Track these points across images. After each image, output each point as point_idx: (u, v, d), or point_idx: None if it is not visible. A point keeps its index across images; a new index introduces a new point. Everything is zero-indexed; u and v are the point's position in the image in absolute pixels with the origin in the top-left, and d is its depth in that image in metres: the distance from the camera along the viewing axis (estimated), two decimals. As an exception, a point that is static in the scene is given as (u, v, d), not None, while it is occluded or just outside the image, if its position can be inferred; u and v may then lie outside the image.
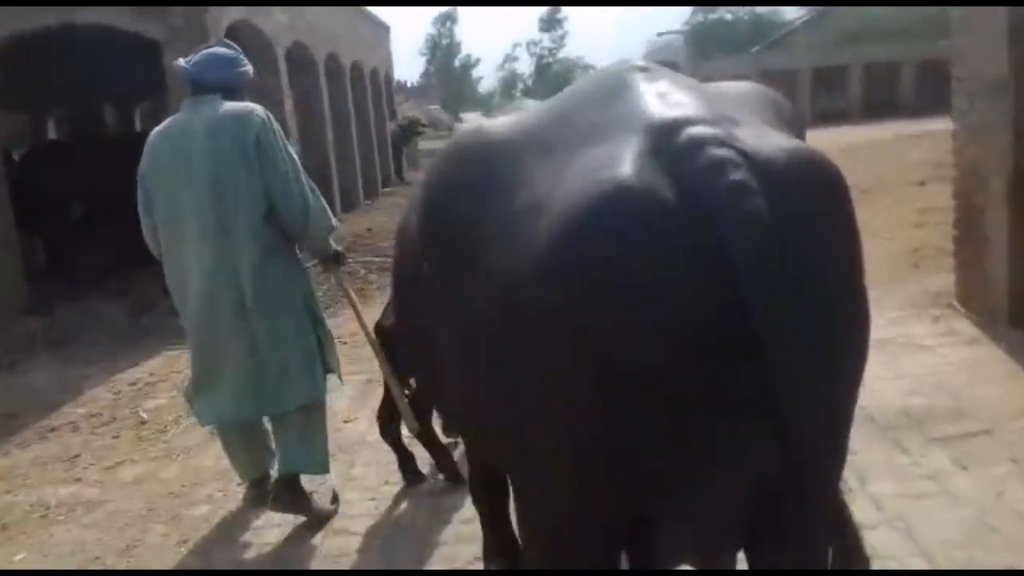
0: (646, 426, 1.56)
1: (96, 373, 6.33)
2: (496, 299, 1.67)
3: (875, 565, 2.98)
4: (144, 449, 4.88)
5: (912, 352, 4.96)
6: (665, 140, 1.58)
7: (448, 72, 60.75)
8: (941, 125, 8.08)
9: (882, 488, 3.47)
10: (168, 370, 6.19)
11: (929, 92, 30.58)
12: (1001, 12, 4.81)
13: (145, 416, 5.39)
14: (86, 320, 7.53)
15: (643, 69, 1.82)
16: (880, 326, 5.40)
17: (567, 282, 1.54)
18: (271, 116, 3.57)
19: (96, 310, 7.73)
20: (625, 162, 1.56)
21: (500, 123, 1.94)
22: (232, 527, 3.84)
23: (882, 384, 4.48)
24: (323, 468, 3.78)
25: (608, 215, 1.52)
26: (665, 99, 1.70)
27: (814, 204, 1.62)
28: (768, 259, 1.48)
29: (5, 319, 7.48)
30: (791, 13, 46.70)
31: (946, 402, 4.20)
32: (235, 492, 4.13)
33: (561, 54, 65.43)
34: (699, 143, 1.56)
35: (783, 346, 1.48)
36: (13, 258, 7.95)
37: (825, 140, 8.90)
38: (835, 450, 1.75)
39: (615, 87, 1.78)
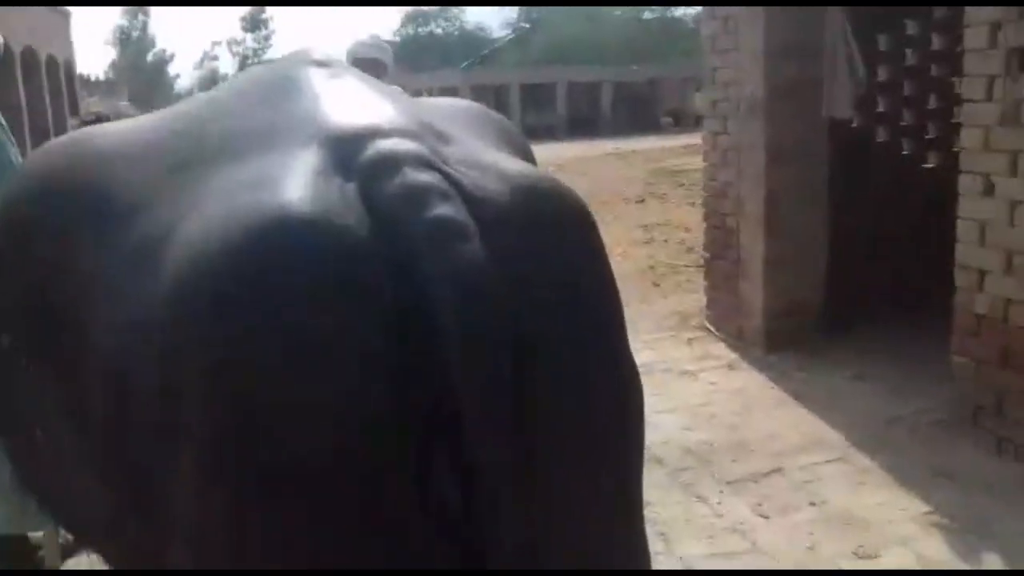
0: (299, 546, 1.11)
1: None
2: (104, 378, 1.23)
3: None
4: None
5: (677, 379, 4.75)
6: (346, 156, 1.15)
7: (139, 67, 56.07)
8: (644, 144, 8.25)
9: (690, 548, 3.10)
10: None
11: (624, 112, 32.89)
12: (758, 32, 4.74)
13: None
14: None
15: (322, 64, 1.40)
16: (638, 349, 5.10)
17: (190, 353, 1.10)
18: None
19: None
20: (290, 181, 1.12)
21: (112, 130, 1.48)
22: None
23: (660, 418, 4.17)
24: None
25: (258, 255, 1.07)
26: (349, 103, 1.29)
27: (554, 251, 1.22)
28: (483, 338, 1.08)
29: None
30: (499, 31, 48.36)
31: (726, 436, 3.97)
32: None
33: (266, 55, 62.87)
34: (391, 161, 1.13)
35: (496, 475, 1.09)
36: None
37: (539, 156, 8.71)
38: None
39: (282, 84, 1.36)
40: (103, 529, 1.54)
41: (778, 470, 3.63)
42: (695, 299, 6.03)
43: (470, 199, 1.15)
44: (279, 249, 1.08)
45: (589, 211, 1.33)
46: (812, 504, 3.35)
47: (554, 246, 1.22)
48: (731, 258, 5.18)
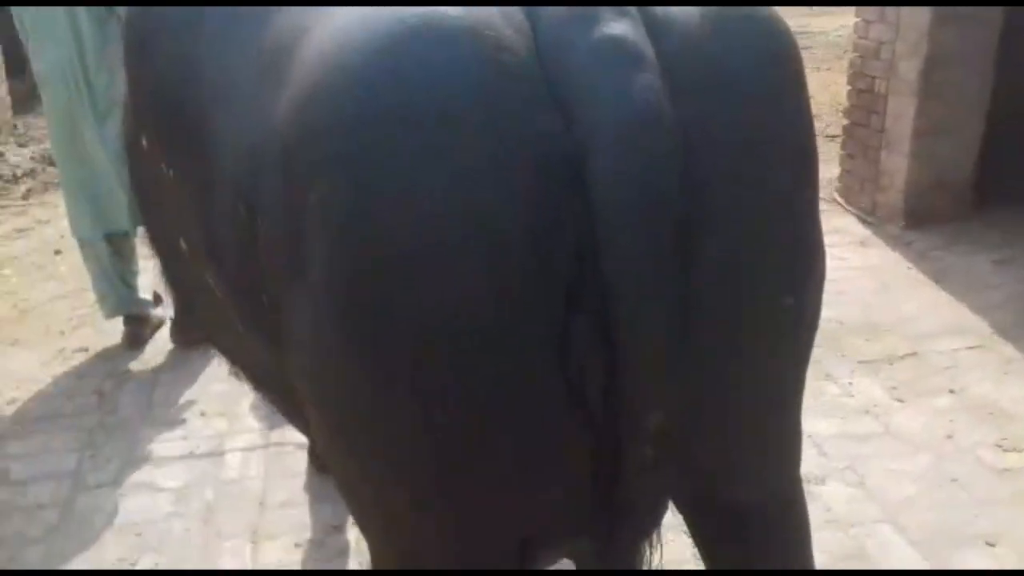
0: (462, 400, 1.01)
1: None
2: (232, 193, 1.15)
3: (838, 532, 2.46)
4: None
5: (803, 252, 4.49)
6: None
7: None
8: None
9: (819, 427, 2.95)
10: None
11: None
12: None
13: None
14: None
15: None
16: (759, 219, 4.92)
17: (316, 171, 0.98)
18: None
19: None
20: None
21: None
22: None
23: (784, 291, 3.98)
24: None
25: (391, 66, 0.94)
26: None
27: (750, 91, 1.03)
28: (646, 198, 0.93)
29: None
30: None
31: (858, 315, 3.75)
32: None
33: None
34: None
35: (647, 357, 0.98)
36: None
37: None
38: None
39: None
40: (230, 340, 1.54)
41: (914, 354, 3.41)
42: (824, 170, 5.65)
43: (653, 21, 0.98)
44: (417, 60, 0.94)
45: (796, 49, 1.12)
46: (951, 391, 3.15)
47: (747, 90, 1.03)
48: (875, 125, 4.78)
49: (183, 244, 1.48)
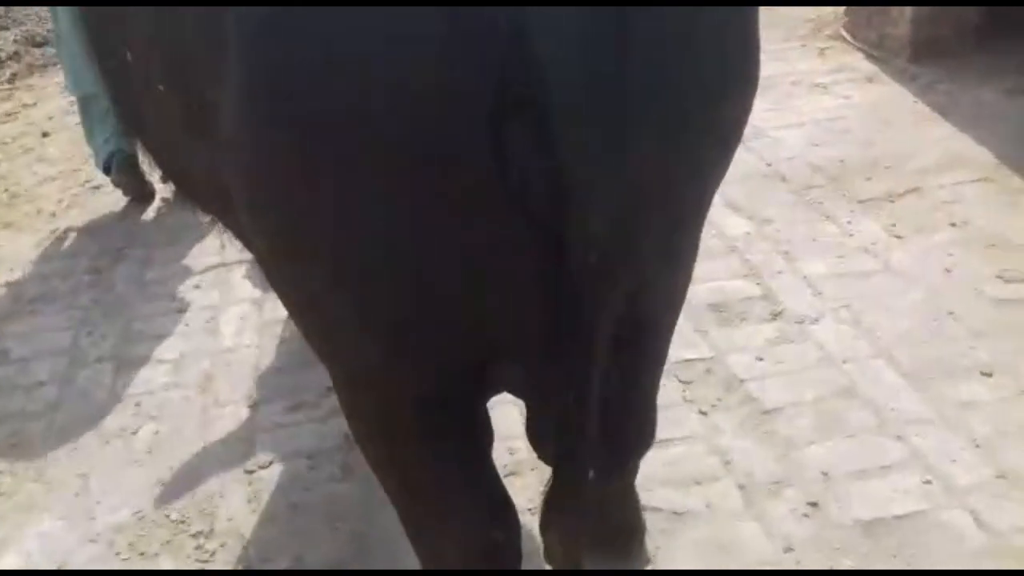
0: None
1: None
2: None
3: (831, 369, 2.45)
4: None
5: (806, 92, 4.32)
6: None
7: None
8: None
9: (814, 267, 2.91)
10: None
11: None
12: None
13: None
14: None
15: None
16: (763, 61, 4.71)
17: None
18: None
19: None
20: None
21: None
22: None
23: (783, 133, 3.86)
24: None
25: None
26: None
27: None
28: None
29: None
30: None
31: (860, 153, 3.63)
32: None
33: None
34: None
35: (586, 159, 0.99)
36: None
37: None
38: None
39: None
40: (176, 157, 1.53)
41: (916, 189, 3.32)
42: (830, 7, 5.41)
43: None
44: None
45: None
46: (953, 225, 3.08)
47: None
48: (880, -46, 4.53)
49: (128, 56, 1.47)
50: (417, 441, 1.30)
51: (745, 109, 1.28)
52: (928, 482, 2.09)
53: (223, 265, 3.21)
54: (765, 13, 4.25)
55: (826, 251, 3.00)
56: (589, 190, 1.01)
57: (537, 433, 1.36)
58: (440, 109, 0.96)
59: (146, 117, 1.55)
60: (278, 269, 1.24)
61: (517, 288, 1.10)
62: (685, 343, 2.59)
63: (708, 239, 3.11)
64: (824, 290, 2.79)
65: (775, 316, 2.69)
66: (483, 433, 1.41)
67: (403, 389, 1.23)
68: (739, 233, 3.12)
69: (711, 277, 2.90)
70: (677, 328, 2.56)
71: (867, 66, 4.54)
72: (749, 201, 3.31)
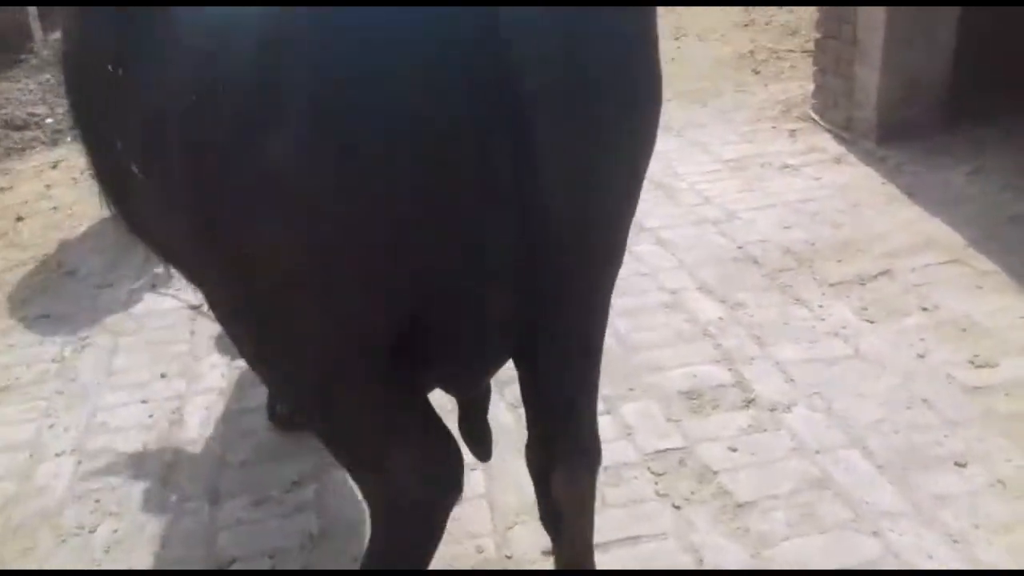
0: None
1: None
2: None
3: (804, 460, 2.42)
4: None
5: (777, 174, 4.38)
6: None
7: None
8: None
9: (786, 353, 2.90)
10: None
11: None
12: None
13: None
14: None
15: None
16: (734, 143, 4.81)
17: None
18: None
19: None
20: None
21: None
22: (-61, 455, 2.76)
23: (754, 215, 3.90)
24: None
25: None
26: None
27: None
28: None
29: None
30: None
31: (830, 235, 3.67)
32: None
33: None
34: None
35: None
36: None
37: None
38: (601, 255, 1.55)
39: None
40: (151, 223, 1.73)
41: (886, 272, 3.34)
42: (799, 87, 5.52)
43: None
44: None
45: None
46: (924, 309, 3.09)
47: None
48: (846, 37, 4.63)
49: (118, 143, 1.59)
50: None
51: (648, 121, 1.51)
52: (906, 581, 2.05)
53: (191, 355, 3.16)
54: (736, 96, 4.35)
55: (798, 336, 2.99)
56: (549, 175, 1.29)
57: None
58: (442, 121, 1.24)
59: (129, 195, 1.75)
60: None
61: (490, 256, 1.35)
62: (658, 433, 2.56)
63: (679, 323, 3.13)
64: (796, 376, 2.78)
65: (748, 403, 2.67)
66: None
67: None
68: (712, 318, 3.12)
69: (684, 362, 2.89)
70: (649, 415, 2.54)
71: (836, 147, 4.62)
72: (721, 284, 3.32)
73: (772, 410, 2.63)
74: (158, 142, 1.37)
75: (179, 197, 1.37)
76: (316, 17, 1.19)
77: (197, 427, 2.84)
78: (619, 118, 1.38)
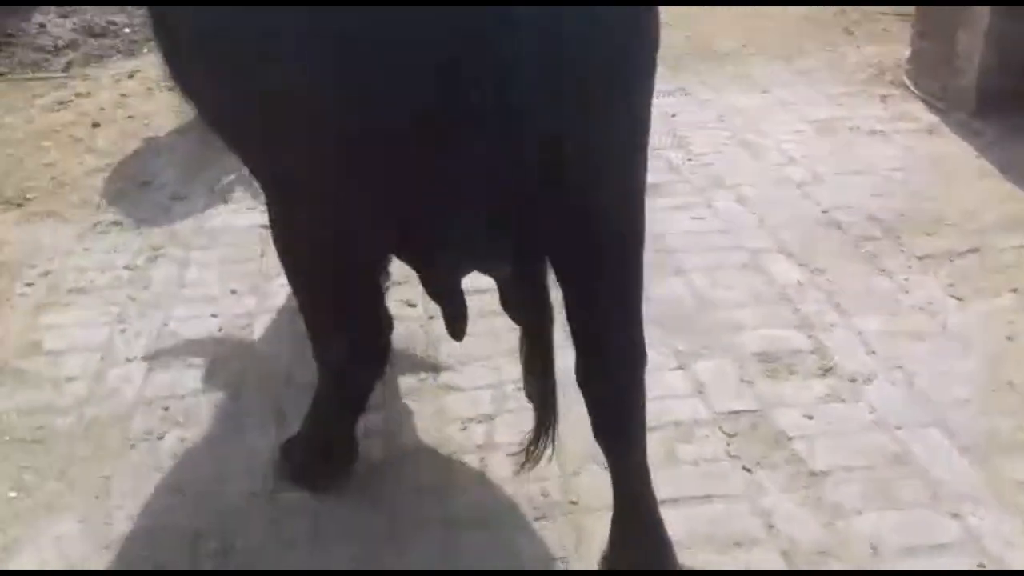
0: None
1: None
2: None
3: (883, 434, 2.35)
4: None
5: (866, 140, 4.22)
6: None
7: None
8: None
9: (869, 323, 2.81)
10: (-67, 113, 4.73)
11: None
12: None
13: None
14: None
15: None
16: (821, 104, 4.64)
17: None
18: None
19: None
20: None
21: None
22: (17, 345, 2.81)
23: (841, 180, 3.77)
24: None
25: None
26: None
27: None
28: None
29: None
30: None
31: (920, 206, 3.53)
32: (18, 294, 3.07)
33: None
34: None
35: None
36: None
37: None
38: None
39: None
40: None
41: (976, 250, 3.21)
42: (893, 51, 5.29)
43: None
44: None
45: None
46: (1014, 290, 2.97)
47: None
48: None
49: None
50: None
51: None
52: (982, 566, 1.98)
53: (261, 273, 3.16)
54: (825, 55, 4.18)
55: (881, 307, 2.89)
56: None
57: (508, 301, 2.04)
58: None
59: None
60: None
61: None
62: (731, 392, 2.51)
63: (758, 284, 3.04)
64: (877, 348, 2.69)
65: (825, 372, 2.59)
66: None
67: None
68: (790, 280, 3.03)
69: (760, 324, 2.81)
70: (723, 374, 2.47)
71: (929, 117, 4.43)
72: (802, 248, 3.22)
73: (851, 380, 2.55)
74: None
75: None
76: None
77: (266, 345, 2.85)
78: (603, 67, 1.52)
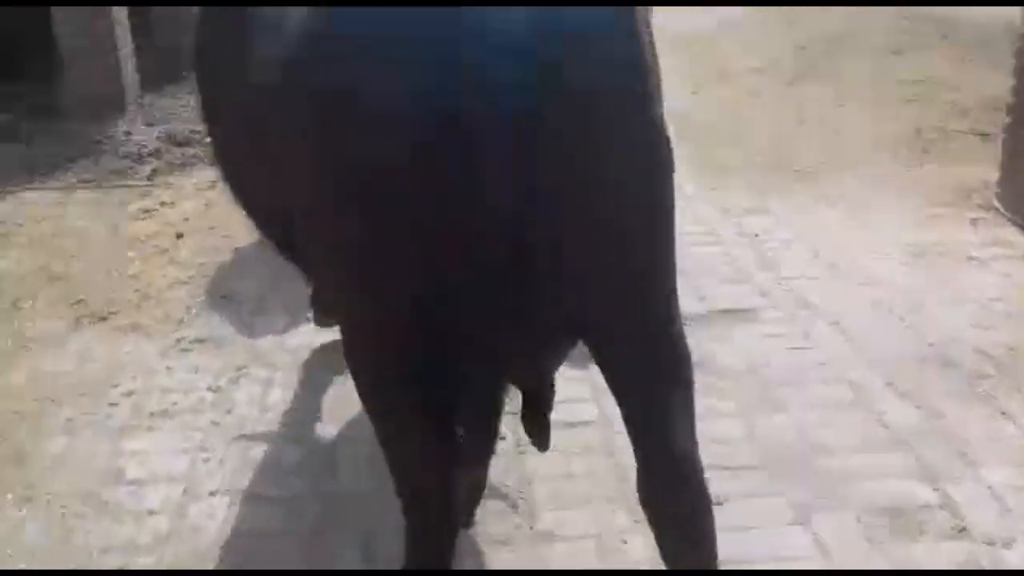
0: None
1: None
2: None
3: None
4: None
5: (962, 267, 4.06)
6: None
7: None
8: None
9: (997, 475, 2.61)
10: (23, 218, 4.79)
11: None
12: None
13: None
14: None
15: None
16: (908, 226, 4.51)
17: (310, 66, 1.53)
18: None
19: None
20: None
21: None
22: (99, 472, 2.73)
23: (943, 311, 3.60)
24: None
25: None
26: None
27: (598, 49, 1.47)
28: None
29: None
30: None
31: (1031, 341, 3.35)
32: (103, 415, 3.02)
33: None
34: None
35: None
36: None
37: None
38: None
39: None
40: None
41: (1103, 391, 3.01)
42: (976, 172, 5.17)
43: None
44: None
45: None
46: None
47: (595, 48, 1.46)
48: (1046, 125, 4.31)
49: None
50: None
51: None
52: None
53: (346, 398, 3.07)
54: (905, 178, 4.07)
55: (1008, 456, 2.70)
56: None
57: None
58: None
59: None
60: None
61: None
62: (860, 554, 2.32)
63: (871, 427, 2.86)
64: (1013, 505, 2.48)
65: (959, 532, 2.39)
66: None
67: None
68: (908, 424, 2.85)
69: (879, 473, 2.63)
70: (846, 531, 2.28)
71: (1024, 242, 4.27)
72: (916, 387, 3.04)
73: (989, 544, 2.34)
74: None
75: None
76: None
77: (350, 477, 2.74)
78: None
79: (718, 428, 2.84)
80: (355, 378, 1.89)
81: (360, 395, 1.91)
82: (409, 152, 1.42)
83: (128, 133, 5.88)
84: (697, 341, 3.47)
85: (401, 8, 1.40)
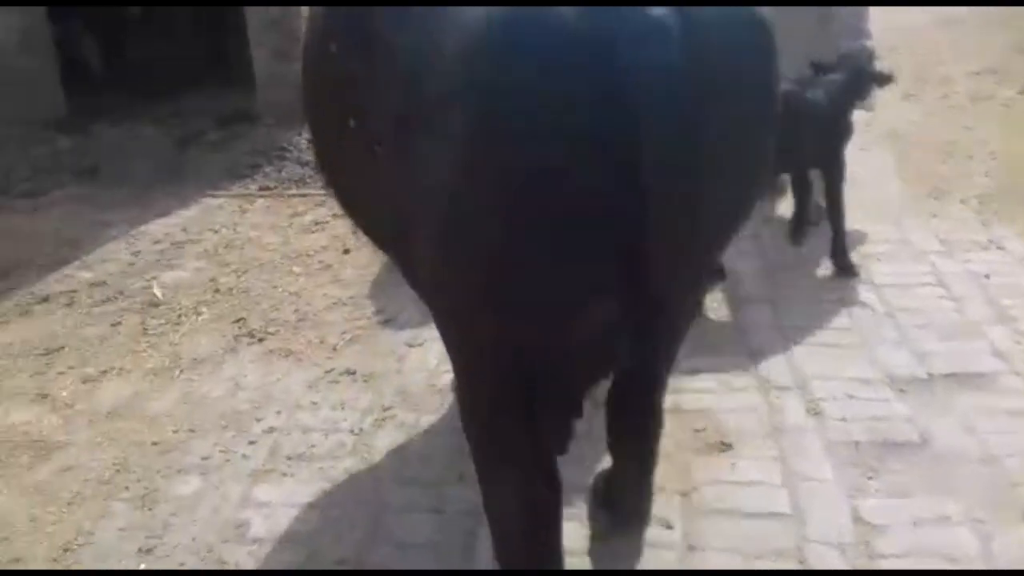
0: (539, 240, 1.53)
1: (118, 221, 5.02)
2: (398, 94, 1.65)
3: None
4: (142, 352, 3.58)
5: None
6: None
7: None
8: None
9: None
10: (202, 227, 4.83)
11: None
12: None
13: (159, 295, 4.08)
14: (123, 144, 6.19)
15: None
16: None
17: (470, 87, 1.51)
18: None
19: (137, 132, 6.38)
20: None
21: None
22: (223, 525, 2.55)
23: None
24: None
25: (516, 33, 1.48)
26: None
27: (735, 54, 1.60)
28: (665, 112, 1.46)
29: (31, 134, 6.20)
30: None
31: None
32: (240, 454, 2.85)
33: None
34: None
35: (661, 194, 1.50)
36: (43, 60, 6.55)
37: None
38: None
39: None
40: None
41: None
42: None
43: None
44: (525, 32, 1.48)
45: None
46: None
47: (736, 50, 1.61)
48: None
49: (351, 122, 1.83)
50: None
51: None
52: None
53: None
54: None
55: None
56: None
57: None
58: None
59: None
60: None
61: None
62: None
63: None
64: None
65: None
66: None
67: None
68: None
69: None
70: None
71: None
72: None
73: None
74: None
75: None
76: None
77: (488, 557, 2.40)
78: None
79: (941, 538, 2.29)
80: (469, 408, 1.97)
81: (465, 422, 1.98)
82: (581, 161, 1.47)
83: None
84: (913, 412, 2.95)
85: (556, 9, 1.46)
